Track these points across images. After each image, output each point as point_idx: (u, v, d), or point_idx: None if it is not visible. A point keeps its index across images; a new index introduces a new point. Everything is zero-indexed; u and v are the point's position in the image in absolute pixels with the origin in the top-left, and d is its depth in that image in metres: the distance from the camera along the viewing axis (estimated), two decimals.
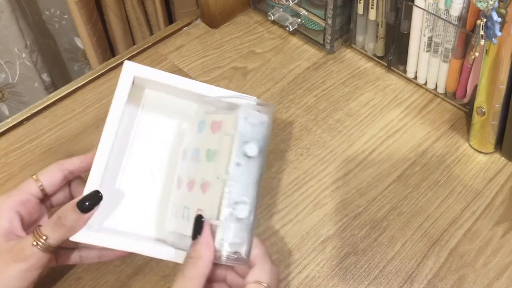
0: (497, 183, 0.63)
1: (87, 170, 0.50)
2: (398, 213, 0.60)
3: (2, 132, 0.68)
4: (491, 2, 0.53)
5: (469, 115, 0.68)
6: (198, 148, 0.51)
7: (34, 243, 0.46)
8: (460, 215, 0.60)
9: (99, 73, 0.75)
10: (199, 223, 0.46)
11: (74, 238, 0.48)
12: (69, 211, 0.48)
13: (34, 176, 0.51)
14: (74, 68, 1.12)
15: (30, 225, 0.51)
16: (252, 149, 0.47)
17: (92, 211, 0.48)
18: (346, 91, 0.72)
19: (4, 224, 0.48)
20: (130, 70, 0.51)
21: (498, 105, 0.61)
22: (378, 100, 0.71)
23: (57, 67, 1.09)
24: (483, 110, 0.62)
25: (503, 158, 0.65)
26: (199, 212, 0.47)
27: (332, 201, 0.61)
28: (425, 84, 0.72)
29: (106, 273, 0.56)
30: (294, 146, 0.66)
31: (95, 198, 0.48)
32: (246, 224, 0.47)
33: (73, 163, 0.52)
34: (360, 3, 0.72)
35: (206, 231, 0.46)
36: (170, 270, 0.56)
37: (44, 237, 0.47)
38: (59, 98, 0.72)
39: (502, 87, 0.59)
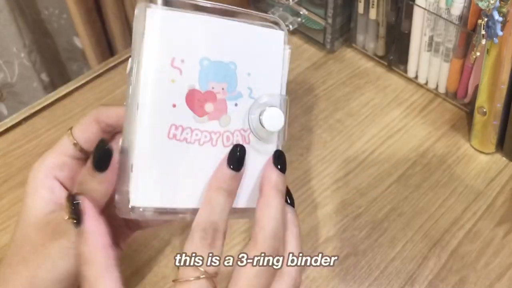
0: (499, 184, 0.62)
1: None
2: (399, 213, 0.60)
3: (0, 132, 0.68)
4: (492, 1, 0.53)
5: (470, 115, 0.67)
6: None
7: (66, 217, 0.37)
8: (461, 216, 0.60)
9: (98, 73, 0.75)
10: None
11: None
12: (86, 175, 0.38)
13: (68, 132, 0.42)
14: (73, 68, 1.11)
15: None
16: None
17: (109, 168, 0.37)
18: (346, 91, 0.72)
19: (43, 194, 0.41)
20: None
21: (499, 105, 0.61)
22: (378, 100, 0.71)
23: (56, 66, 1.09)
24: (484, 110, 0.62)
25: (504, 158, 0.65)
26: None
27: (332, 202, 0.61)
28: (426, 84, 0.71)
29: None
30: (294, 146, 0.66)
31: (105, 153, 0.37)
32: None
33: (109, 116, 0.42)
34: (360, 2, 0.71)
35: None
36: (169, 271, 0.56)
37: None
38: (58, 98, 0.72)
39: (504, 86, 0.59)
